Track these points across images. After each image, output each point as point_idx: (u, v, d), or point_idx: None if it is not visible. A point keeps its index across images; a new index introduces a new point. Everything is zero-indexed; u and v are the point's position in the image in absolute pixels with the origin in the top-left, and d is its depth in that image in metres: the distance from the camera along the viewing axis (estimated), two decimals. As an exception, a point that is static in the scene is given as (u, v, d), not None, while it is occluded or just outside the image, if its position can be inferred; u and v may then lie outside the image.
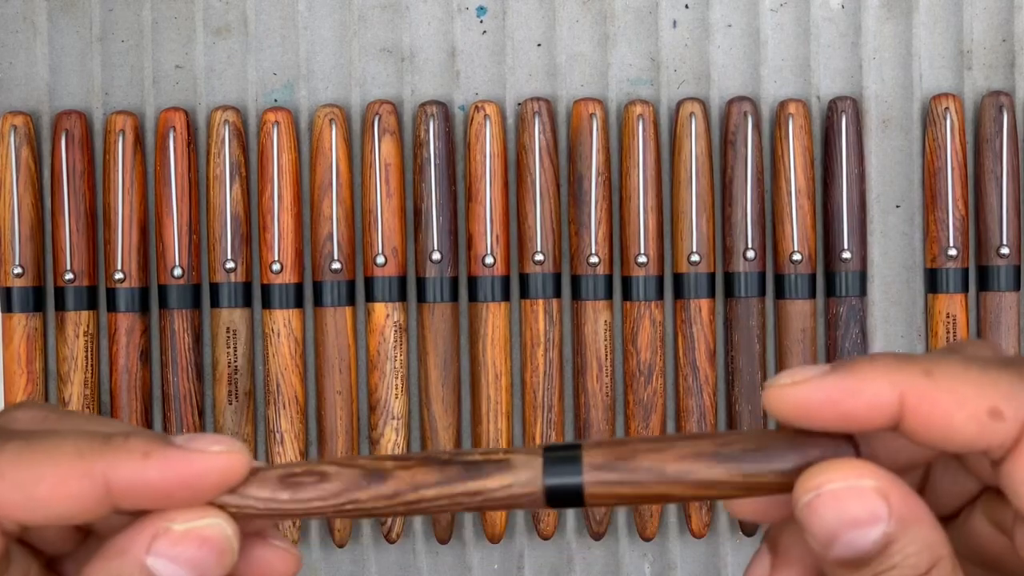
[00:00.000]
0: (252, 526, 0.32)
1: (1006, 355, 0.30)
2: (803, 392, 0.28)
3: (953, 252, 0.58)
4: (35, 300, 0.58)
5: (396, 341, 0.59)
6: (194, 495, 0.30)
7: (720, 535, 0.61)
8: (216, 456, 0.31)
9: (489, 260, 0.58)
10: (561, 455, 0.31)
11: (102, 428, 0.31)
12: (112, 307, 0.58)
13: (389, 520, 0.59)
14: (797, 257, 0.58)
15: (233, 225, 0.58)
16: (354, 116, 0.60)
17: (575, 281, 0.59)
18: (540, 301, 0.59)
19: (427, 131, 0.58)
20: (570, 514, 0.60)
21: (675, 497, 0.31)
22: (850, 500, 0.29)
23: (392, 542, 0.60)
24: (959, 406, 0.28)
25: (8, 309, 0.58)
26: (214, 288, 0.59)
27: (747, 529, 0.60)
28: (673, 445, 0.30)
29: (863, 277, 0.59)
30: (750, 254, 0.59)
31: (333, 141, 0.58)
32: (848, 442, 0.29)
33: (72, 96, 0.60)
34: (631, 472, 0.31)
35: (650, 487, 0.31)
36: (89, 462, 0.30)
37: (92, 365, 0.59)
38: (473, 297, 0.59)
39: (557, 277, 0.59)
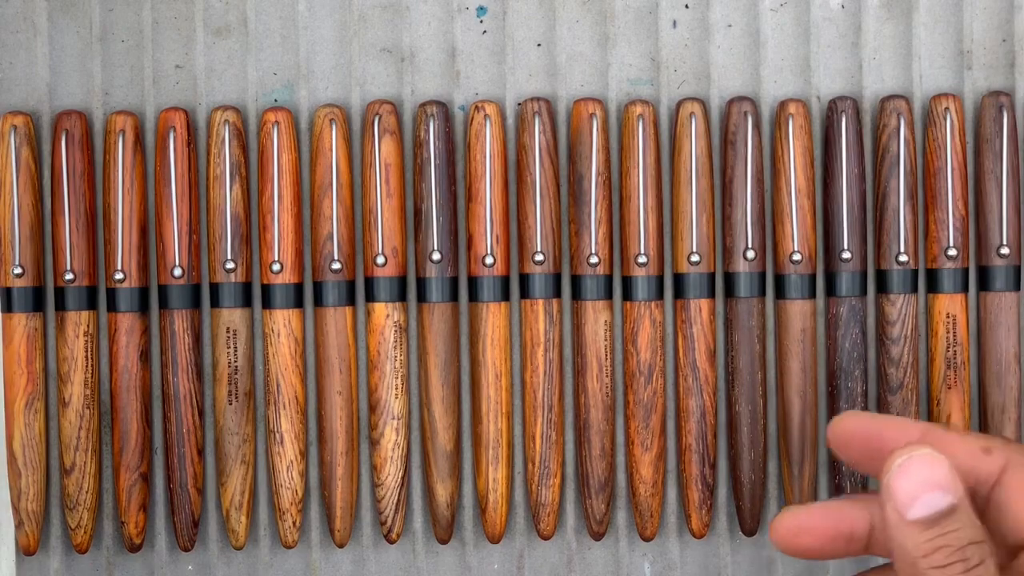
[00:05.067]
0: None
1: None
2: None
3: (953, 252, 0.58)
4: (35, 300, 0.58)
5: (396, 341, 0.59)
6: None
7: (720, 535, 0.61)
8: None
9: (489, 260, 0.58)
10: None
11: None
12: (112, 307, 0.58)
13: (389, 520, 0.59)
14: (797, 257, 0.58)
15: (233, 225, 0.58)
16: (354, 116, 0.60)
17: (575, 281, 0.59)
18: (540, 301, 0.59)
19: (427, 131, 0.58)
20: (570, 514, 0.60)
21: None
22: (934, 466, 0.38)
23: (392, 542, 0.60)
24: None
25: (8, 309, 0.58)
26: (214, 288, 0.59)
27: (747, 529, 0.60)
28: None
29: (863, 277, 0.59)
30: (750, 254, 0.59)
31: (333, 141, 0.58)
32: None
33: (72, 96, 0.60)
34: None
35: None
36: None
37: (92, 365, 0.59)
38: (473, 297, 0.59)
39: (557, 277, 0.59)
